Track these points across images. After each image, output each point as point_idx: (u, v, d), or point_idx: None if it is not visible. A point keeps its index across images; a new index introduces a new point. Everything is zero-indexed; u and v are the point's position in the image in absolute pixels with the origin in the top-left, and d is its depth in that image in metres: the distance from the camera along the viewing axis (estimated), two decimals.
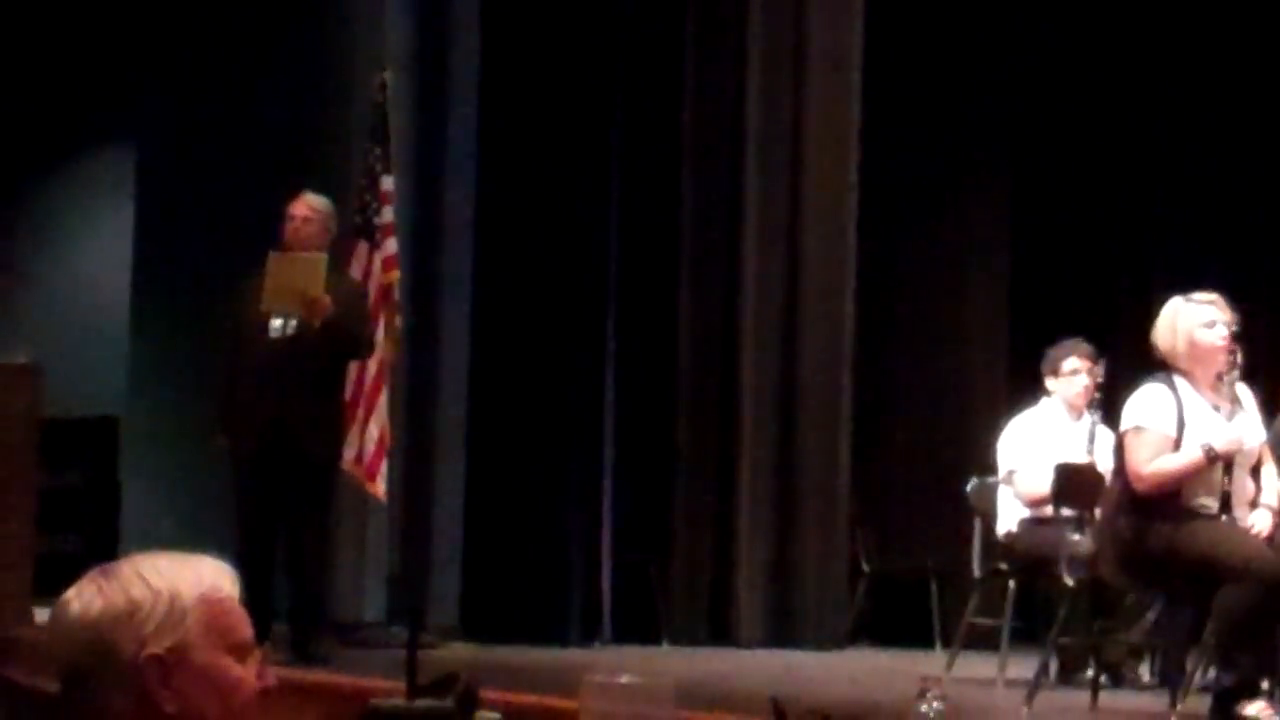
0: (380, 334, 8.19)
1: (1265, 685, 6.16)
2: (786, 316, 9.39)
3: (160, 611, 2.21)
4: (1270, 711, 5.98)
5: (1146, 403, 6.21)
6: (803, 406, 9.36)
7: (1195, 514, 6.12)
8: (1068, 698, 7.08)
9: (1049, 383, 7.88)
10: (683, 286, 9.40)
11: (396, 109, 8.64)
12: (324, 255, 7.50)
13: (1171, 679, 6.60)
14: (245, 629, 2.27)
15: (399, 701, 3.86)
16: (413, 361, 8.93)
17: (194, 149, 9.60)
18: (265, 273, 7.39)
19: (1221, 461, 6.10)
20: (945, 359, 10.35)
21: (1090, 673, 7.00)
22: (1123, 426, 6.31)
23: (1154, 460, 6.11)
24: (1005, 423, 7.90)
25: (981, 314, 10.40)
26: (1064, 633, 7.05)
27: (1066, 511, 7.11)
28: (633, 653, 8.66)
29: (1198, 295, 6.28)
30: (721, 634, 9.17)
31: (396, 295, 8.41)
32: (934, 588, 9.45)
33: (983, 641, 7.91)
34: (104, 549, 8.91)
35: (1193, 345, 6.19)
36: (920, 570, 9.55)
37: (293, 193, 7.67)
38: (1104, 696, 6.80)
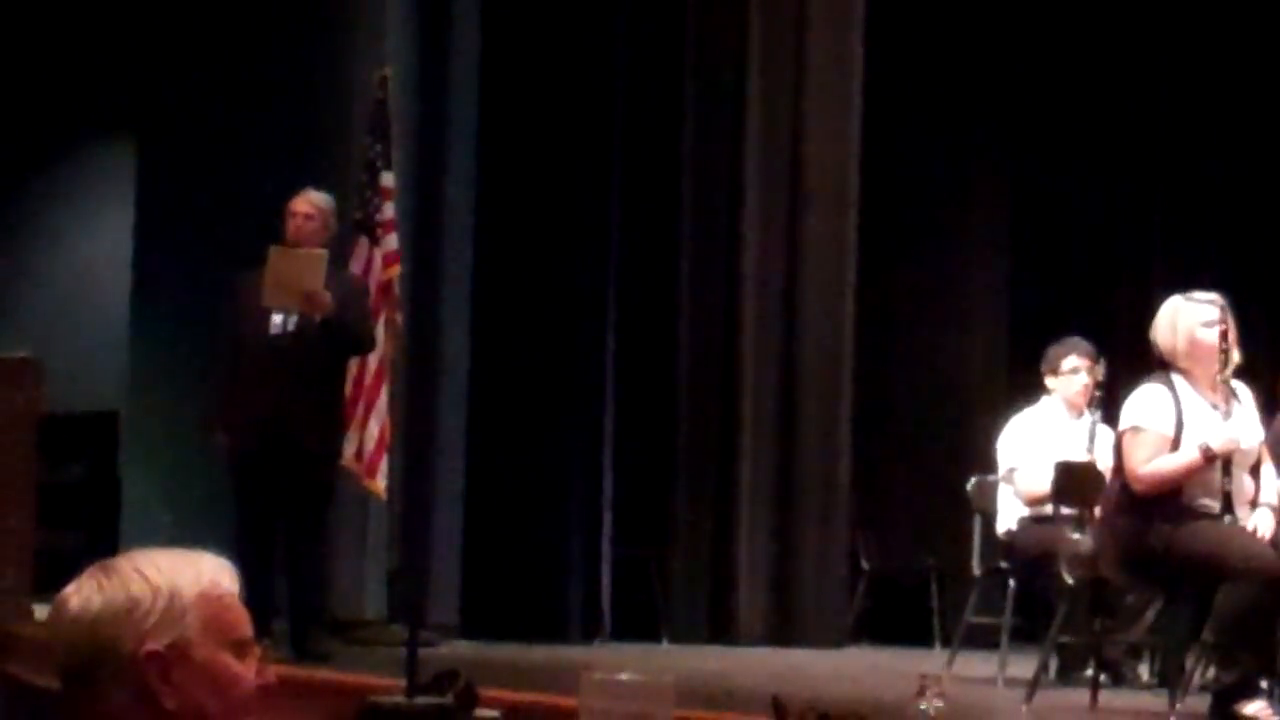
0: (380, 330, 8.19)
1: (1265, 684, 6.16)
2: (787, 315, 9.40)
3: (160, 608, 2.21)
4: (1270, 711, 5.98)
5: (1144, 403, 6.21)
6: (803, 405, 9.36)
7: (1195, 513, 6.12)
8: (1067, 696, 7.08)
9: (1049, 381, 7.88)
10: (683, 285, 9.40)
11: (397, 105, 8.63)
12: (324, 251, 7.50)
13: (1171, 678, 6.60)
14: (245, 626, 2.27)
15: (399, 699, 3.86)
16: (413, 358, 8.93)
17: (195, 144, 9.60)
18: (266, 267, 7.39)
19: (1219, 461, 6.10)
20: (945, 358, 10.35)
21: (1090, 671, 7.00)
22: (1121, 426, 6.31)
23: (1151, 461, 6.11)
24: (1005, 421, 7.90)
25: (982, 313, 10.41)
26: (1064, 631, 7.05)
27: (1066, 510, 7.11)
28: (633, 651, 8.66)
29: (1198, 294, 6.28)
30: (722, 632, 9.17)
31: (397, 291, 8.40)
32: (934, 586, 9.46)
33: (983, 640, 7.91)
34: (104, 545, 8.90)
35: (1193, 344, 6.19)
36: (920, 569, 9.56)
37: (294, 189, 7.67)
38: (1104, 695, 6.79)
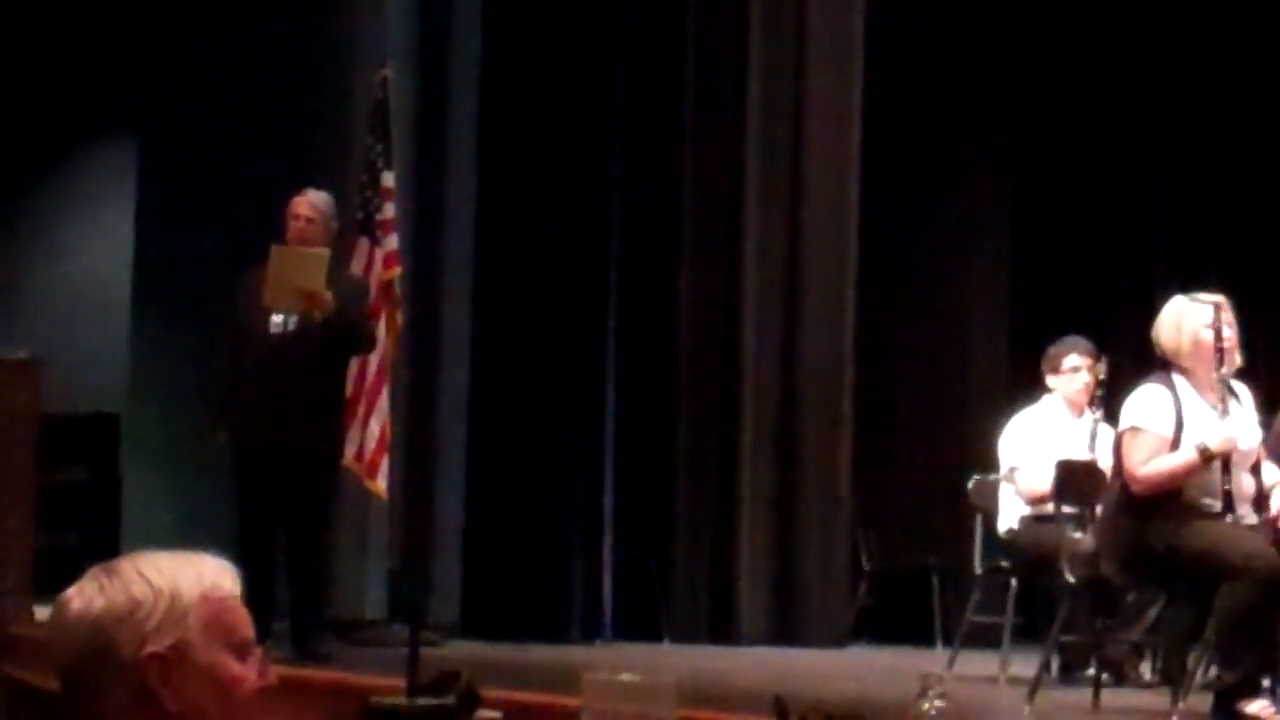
0: (381, 330, 8.19)
1: (1266, 683, 6.16)
2: (788, 315, 9.40)
3: (161, 610, 2.21)
4: (1272, 709, 5.97)
5: (1144, 403, 6.21)
6: (804, 405, 9.36)
7: (1196, 512, 6.12)
8: (1069, 696, 7.07)
9: (1049, 380, 7.88)
10: (684, 286, 9.40)
11: (398, 105, 8.63)
12: (326, 250, 7.50)
13: (1173, 677, 6.60)
14: (246, 627, 2.27)
15: (400, 699, 3.86)
16: (414, 358, 8.93)
17: (195, 145, 9.60)
18: (267, 267, 7.39)
19: (1219, 460, 6.10)
20: (946, 357, 10.36)
21: (1092, 671, 6.99)
22: (1120, 427, 6.31)
23: (1150, 461, 6.11)
24: (1006, 420, 7.90)
25: (982, 312, 10.41)
26: (1065, 630, 7.04)
27: (1068, 509, 7.10)
28: (634, 650, 8.66)
29: (1202, 295, 6.27)
30: (723, 632, 9.17)
31: (398, 291, 8.40)
32: (935, 585, 9.46)
33: (984, 639, 7.91)
34: (105, 546, 8.91)
35: (1196, 344, 6.19)
36: (921, 568, 9.56)
37: (294, 189, 7.67)
38: (1106, 694, 6.79)
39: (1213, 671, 6.37)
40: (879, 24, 9.56)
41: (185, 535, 7.79)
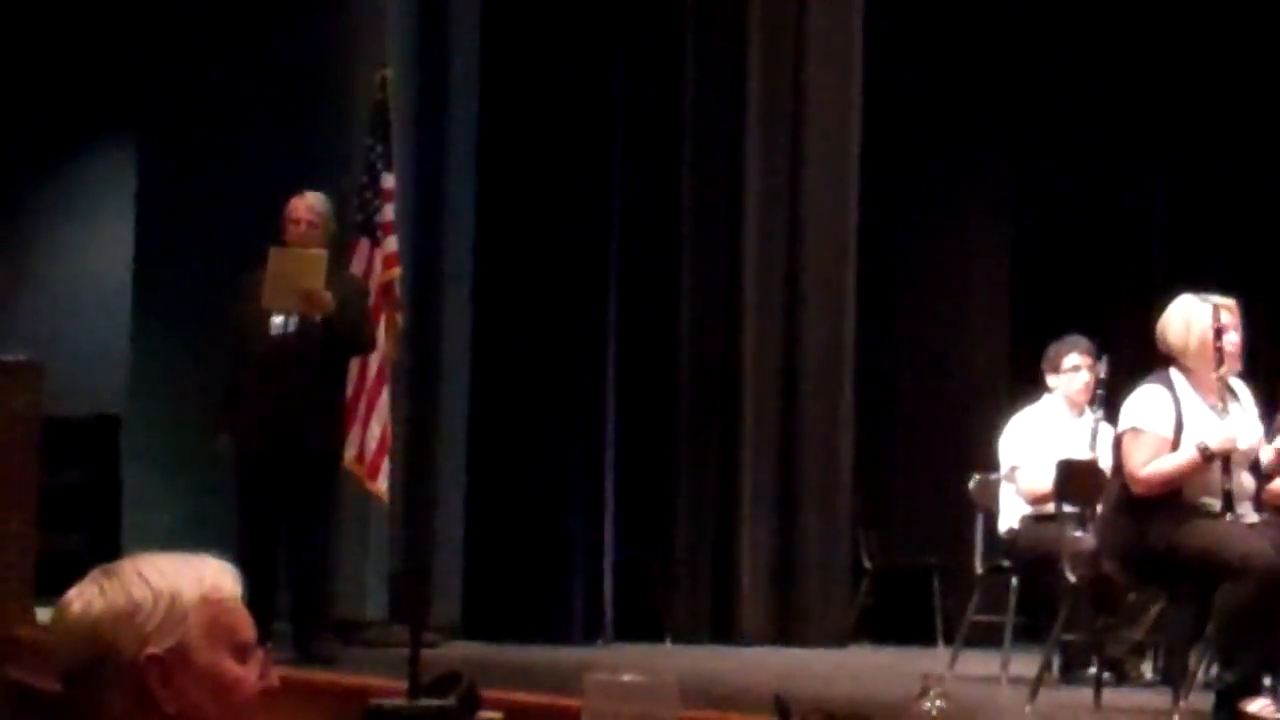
0: (381, 332, 8.19)
1: (1267, 682, 6.16)
2: (788, 316, 9.40)
3: (161, 612, 2.21)
4: (1273, 708, 5.97)
5: (1144, 404, 6.21)
6: (804, 404, 9.36)
7: (1196, 512, 6.12)
8: (1070, 695, 7.07)
9: (1050, 379, 7.88)
10: (684, 285, 9.40)
11: (397, 106, 8.63)
12: (324, 251, 7.50)
13: (1174, 676, 6.60)
14: (247, 629, 2.27)
15: (401, 701, 3.85)
16: (414, 359, 8.92)
17: (195, 146, 9.59)
18: (266, 269, 7.39)
19: (1219, 460, 6.10)
20: (947, 356, 10.36)
21: (1093, 670, 7.00)
22: (1120, 427, 6.31)
23: (1150, 462, 6.11)
24: (1007, 420, 7.90)
25: (983, 311, 10.41)
26: (1066, 630, 7.04)
27: (1068, 508, 7.10)
28: (635, 651, 8.66)
29: (1214, 296, 6.26)
30: (724, 632, 9.17)
31: (398, 293, 8.40)
32: (936, 585, 9.46)
33: (985, 639, 7.91)
34: (105, 548, 8.90)
35: (1204, 344, 6.18)
36: (922, 567, 9.56)
37: (294, 191, 7.67)
38: (1107, 694, 6.79)
39: (1214, 670, 6.38)
40: (878, 22, 9.56)
41: (186, 537, 7.77)
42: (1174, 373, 6.26)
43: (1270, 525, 6.30)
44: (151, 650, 2.19)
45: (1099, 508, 6.65)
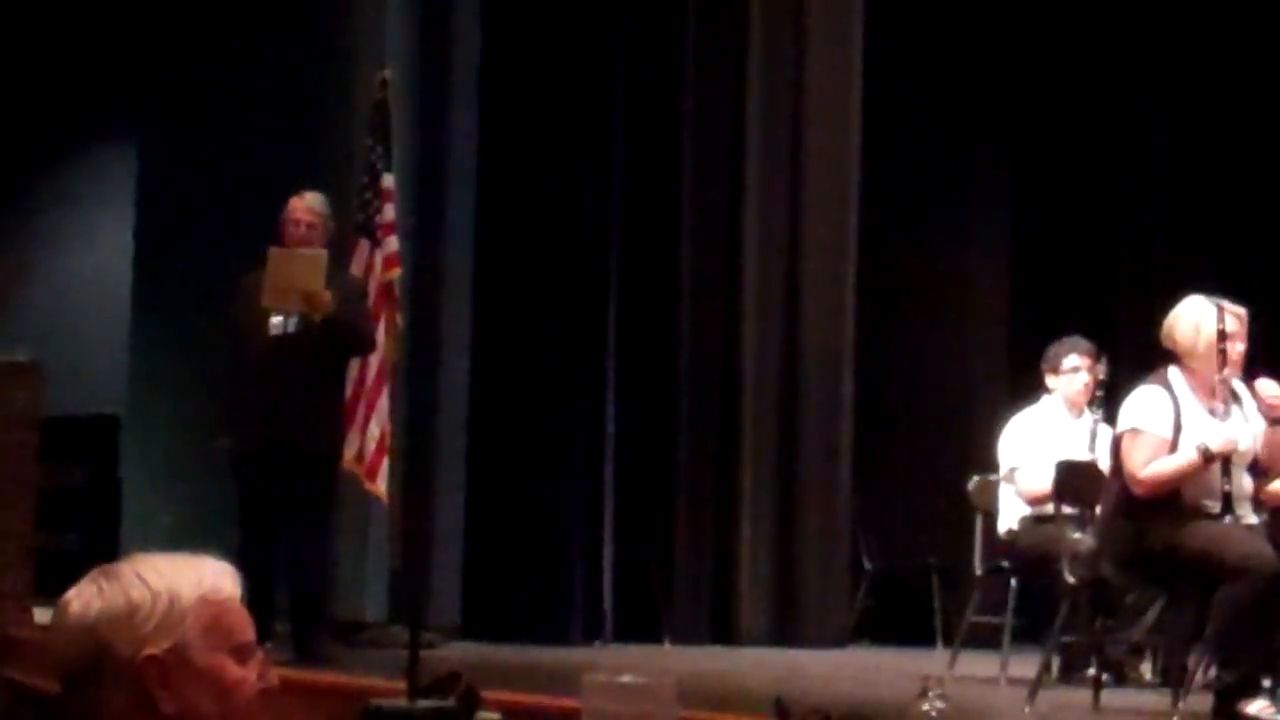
0: (381, 332, 8.19)
1: (1266, 683, 6.16)
2: (788, 316, 9.39)
3: (159, 612, 2.21)
4: (1272, 710, 5.98)
5: (1143, 405, 6.21)
6: (804, 405, 9.36)
7: (1195, 513, 6.13)
8: (1069, 696, 7.07)
9: (1049, 380, 7.88)
10: (684, 285, 9.40)
11: (398, 107, 8.62)
12: (324, 251, 7.50)
13: (1173, 677, 6.60)
14: (246, 630, 2.27)
15: (400, 702, 3.85)
16: (414, 360, 8.93)
17: (195, 147, 9.60)
18: (266, 269, 7.39)
19: (1218, 462, 6.10)
20: (946, 357, 10.35)
21: (1092, 671, 6.99)
22: (1119, 428, 6.32)
23: (1151, 463, 6.11)
24: (1006, 420, 7.90)
25: (982, 311, 10.41)
26: (1065, 631, 7.04)
27: (1068, 509, 7.10)
28: (634, 652, 8.66)
29: (1228, 303, 6.25)
30: (723, 633, 9.17)
31: (397, 293, 8.40)
32: (935, 586, 9.45)
33: (984, 640, 7.91)
34: (105, 548, 8.90)
35: (1211, 348, 6.17)
36: (922, 568, 9.56)
37: (294, 191, 7.67)
38: (1106, 695, 6.79)
39: (1213, 672, 6.38)
40: (879, 22, 9.56)
41: (185, 537, 7.78)
42: (1172, 374, 6.26)
43: (1269, 527, 6.31)
44: (150, 651, 2.19)
45: (1098, 509, 6.65)
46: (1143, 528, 6.14)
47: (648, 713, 3.01)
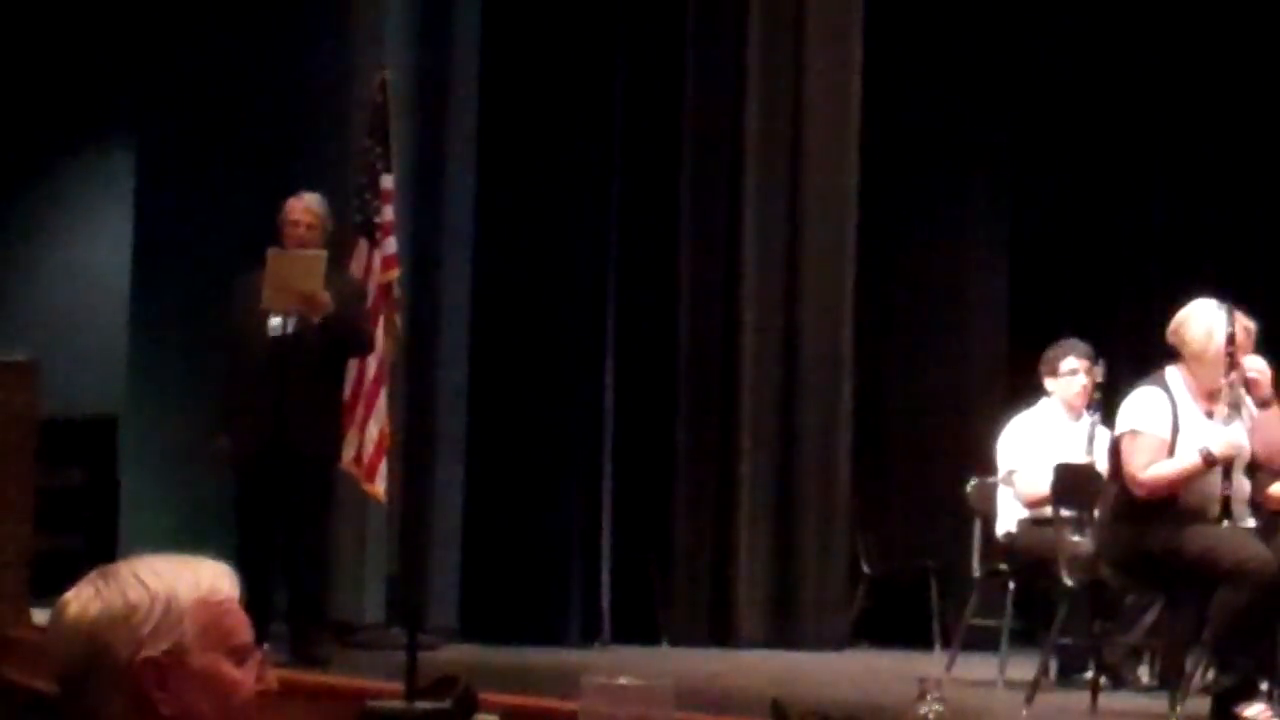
0: (380, 333, 8.19)
1: (1264, 686, 6.16)
2: (787, 318, 9.39)
3: (157, 614, 2.21)
4: (1269, 713, 5.99)
5: (1141, 406, 6.21)
6: (802, 407, 9.35)
7: (1193, 517, 6.13)
8: (1067, 699, 7.08)
9: (1047, 383, 7.88)
10: (683, 287, 9.39)
11: (397, 108, 8.63)
12: (324, 252, 7.50)
13: (1171, 680, 6.60)
14: (244, 632, 2.27)
15: (398, 703, 3.85)
16: (412, 361, 8.93)
17: (193, 147, 9.59)
18: (265, 270, 7.39)
19: (1220, 466, 6.10)
20: (945, 359, 10.35)
21: (1090, 674, 7.00)
22: (1118, 430, 6.32)
23: (1151, 465, 6.11)
24: (1004, 423, 7.90)
25: (981, 314, 10.40)
26: (1064, 634, 7.05)
27: (1066, 512, 7.11)
28: (632, 654, 8.65)
29: (1240, 314, 6.25)
30: (721, 635, 9.16)
31: (396, 294, 8.40)
32: (934, 588, 9.45)
33: (982, 642, 7.91)
34: (103, 549, 8.90)
35: (1220, 353, 6.17)
36: (920, 571, 9.55)
37: (293, 192, 7.66)
38: (1104, 698, 6.79)
39: (1211, 675, 6.38)
40: (878, 21, 9.55)
41: (183, 538, 7.80)
42: (1170, 374, 6.26)
43: (1267, 530, 6.31)
44: (148, 653, 2.19)
45: (1096, 512, 6.65)
46: (1141, 531, 6.14)
47: (645, 715, 3.00)
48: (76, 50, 11.29)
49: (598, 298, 9.08)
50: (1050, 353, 7.92)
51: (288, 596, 7.48)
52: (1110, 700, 6.91)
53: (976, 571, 7.86)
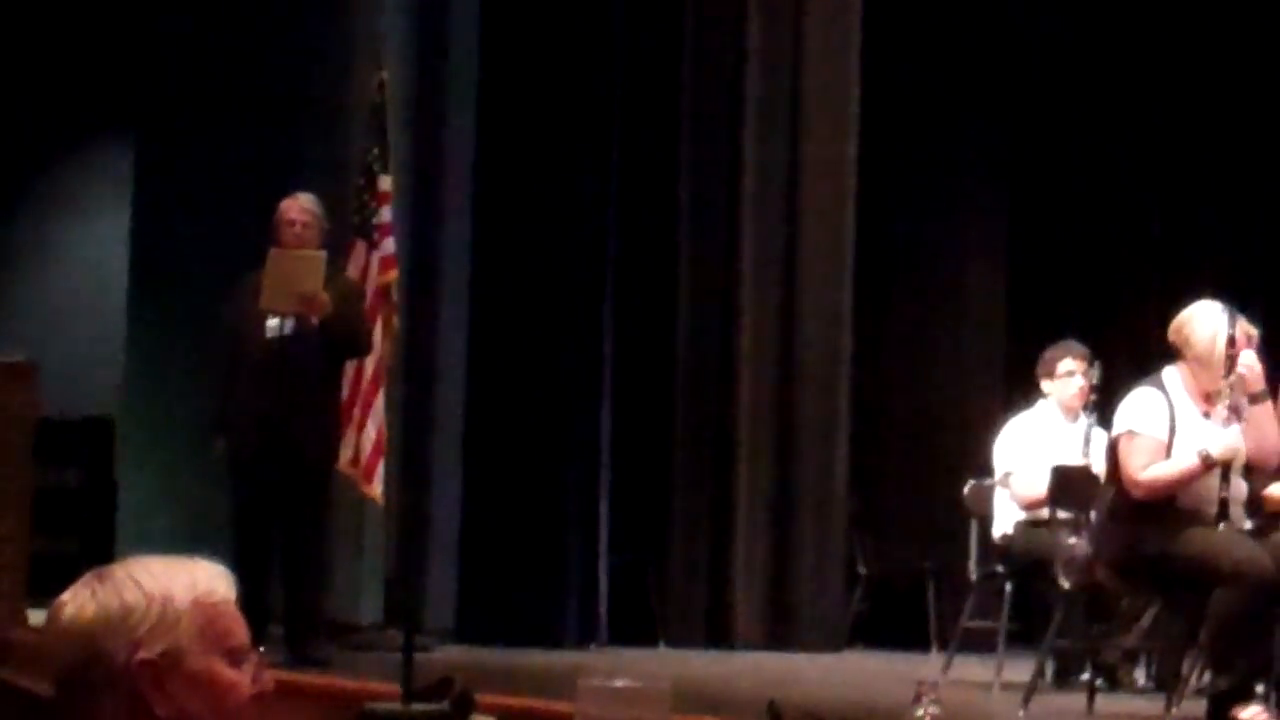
0: (378, 334, 8.19)
1: (1260, 689, 6.16)
2: (784, 320, 9.39)
3: (153, 615, 2.20)
4: (1266, 715, 5.98)
5: (1139, 407, 6.21)
6: (800, 409, 9.35)
7: (1191, 519, 6.12)
8: (1064, 701, 7.08)
9: (1044, 385, 7.87)
10: (681, 289, 9.40)
11: (395, 108, 8.63)
12: (324, 253, 7.50)
13: (1167, 683, 6.60)
14: (240, 633, 2.27)
15: (394, 705, 3.85)
16: (410, 362, 8.92)
17: (192, 147, 9.59)
18: (265, 269, 7.39)
19: (1218, 468, 6.10)
20: (942, 361, 10.36)
21: (1086, 676, 7.00)
22: (1115, 431, 6.31)
23: (1149, 466, 6.11)
24: (1001, 425, 7.90)
25: (978, 316, 10.41)
26: (1060, 636, 7.05)
27: (1062, 514, 7.11)
28: (629, 655, 8.65)
29: (1243, 319, 6.24)
30: (718, 636, 9.16)
31: (394, 295, 8.40)
32: (931, 590, 9.45)
33: (979, 644, 7.91)
34: (100, 550, 8.90)
35: (1221, 355, 6.17)
36: (917, 573, 9.55)
37: (292, 192, 7.66)
38: (1100, 700, 6.79)
39: (1206, 677, 6.38)
40: (877, 21, 9.55)
41: (180, 540, 7.79)
42: (1168, 375, 6.25)
43: (1265, 532, 6.31)
44: (144, 654, 2.19)
45: (1093, 514, 6.65)
46: (1138, 533, 6.14)
47: (642, 717, 3.01)
48: (76, 50, 11.29)
49: (596, 299, 9.08)
50: (1047, 354, 7.92)
51: (284, 598, 7.48)
52: (1107, 702, 6.91)
53: (973, 573, 7.86)
